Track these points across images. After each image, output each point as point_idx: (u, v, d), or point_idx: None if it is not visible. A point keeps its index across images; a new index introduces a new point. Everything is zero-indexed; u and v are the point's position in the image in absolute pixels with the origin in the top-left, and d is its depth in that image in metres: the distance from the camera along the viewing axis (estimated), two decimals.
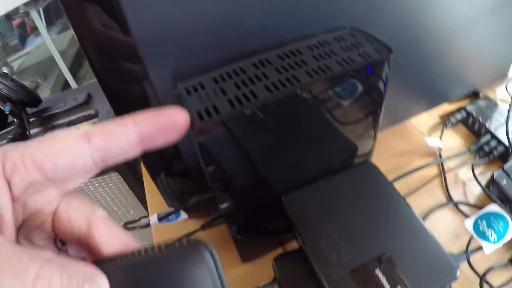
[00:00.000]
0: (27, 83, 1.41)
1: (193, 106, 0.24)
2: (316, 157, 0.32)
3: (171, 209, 0.36)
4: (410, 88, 0.47)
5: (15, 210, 0.15)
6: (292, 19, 0.29)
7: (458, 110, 0.52)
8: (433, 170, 0.47)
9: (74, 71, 1.27)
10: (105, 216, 0.17)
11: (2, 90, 0.64)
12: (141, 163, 0.58)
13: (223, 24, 0.26)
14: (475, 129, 0.50)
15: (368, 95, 0.28)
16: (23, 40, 1.64)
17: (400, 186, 0.46)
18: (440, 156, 0.47)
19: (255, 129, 0.25)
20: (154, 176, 0.40)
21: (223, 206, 0.29)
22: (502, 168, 0.42)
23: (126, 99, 0.33)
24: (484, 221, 0.36)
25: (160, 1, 0.24)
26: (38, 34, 1.63)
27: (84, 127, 0.16)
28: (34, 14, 1.14)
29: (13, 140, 0.61)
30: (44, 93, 1.35)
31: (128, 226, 0.42)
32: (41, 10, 1.36)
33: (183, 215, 0.39)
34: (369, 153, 0.34)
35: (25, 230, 0.16)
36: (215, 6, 0.26)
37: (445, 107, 0.55)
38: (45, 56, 1.46)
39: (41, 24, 1.17)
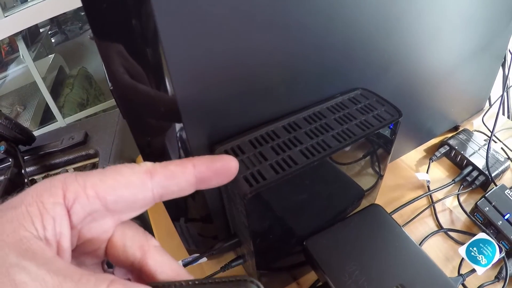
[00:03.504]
0: (5, 112, 1.36)
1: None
2: (333, 204, 0.35)
3: (196, 255, 0.38)
4: (403, 132, 0.53)
5: (71, 236, 0.15)
6: (315, 84, 0.33)
7: (442, 145, 0.58)
8: (423, 201, 0.52)
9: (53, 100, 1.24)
10: (158, 245, 0.18)
11: None
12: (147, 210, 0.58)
13: (258, 90, 0.30)
14: (457, 161, 0.56)
15: (379, 149, 0.32)
16: None
17: (395, 218, 0.50)
18: (429, 188, 0.53)
19: (289, 189, 0.28)
20: (174, 220, 0.42)
21: (256, 252, 0.32)
22: (484, 197, 0.47)
23: (158, 154, 0.35)
24: (475, 248, 0.41)
25: (203, 63, 0.26)
26: (14, 59, 1.58)
27: (147, 164, 0.17)
28: (18, 39, 1.10)
29: (10, 180, 0.60)
30: (24, 124, 1.30)
31: None
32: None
33: (203, 258, 0.41)
34: (376, 195, 0.39)
35: (78, 254, 0.17)
36: (251, 73, 0.28)
37: (429, 141, 0.61)
38: (23, 84, 1.41)
39: (25, 50, 1.13)
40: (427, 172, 0.55)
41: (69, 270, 0.13)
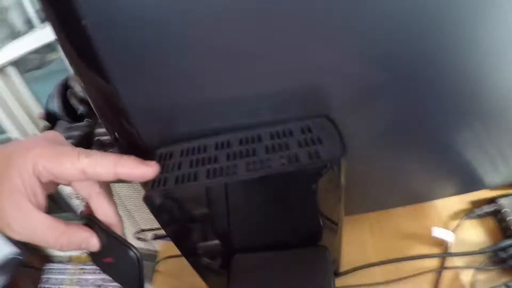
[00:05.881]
0: None
1: None
2: (276, 230, 0.34)
3: None
4: (441, 171, 0.44)
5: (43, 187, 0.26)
6: (271, 102, 0.31)
7: (489, 202, 0.46)
8: (431, 263, 0.43)
9: None
10: (99, 191, 0.28)
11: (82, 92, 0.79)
12: None
13: (204, 107, 0.31)
14: (502, 226, 0.44)
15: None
16: None
17: (389, 269, 0.44)
18: (447, 251, 0.43)
19: (195, 201, 0.29)
20: None
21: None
22: (507, 285, 0.37)
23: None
24: None
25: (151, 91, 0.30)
26: None
27: (83, 162, 0.25)
28: None
29: (82, 136, 0.75)
30: None
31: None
32: None
33: None
34: (330, 238, 0.34)
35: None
36: (197, 93, 0.30)
37: (482, 193, 0.49)
38: None
39: None
40: (453, 230, 0.45)
41: (49, 221, 0.26)
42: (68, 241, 0.26)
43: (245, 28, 0.27)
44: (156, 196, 0.28)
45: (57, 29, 0.27)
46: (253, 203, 0.30)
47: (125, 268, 0.28)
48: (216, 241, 0.32)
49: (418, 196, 0.48)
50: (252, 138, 0.30)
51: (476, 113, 0.36)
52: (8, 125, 1.22)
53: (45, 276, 1.01)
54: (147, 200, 0.28)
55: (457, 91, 0.33)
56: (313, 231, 0.33)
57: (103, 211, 0.28)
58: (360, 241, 0.49)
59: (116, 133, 0.34)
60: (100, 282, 1.07)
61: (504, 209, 0.44)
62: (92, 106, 0.34)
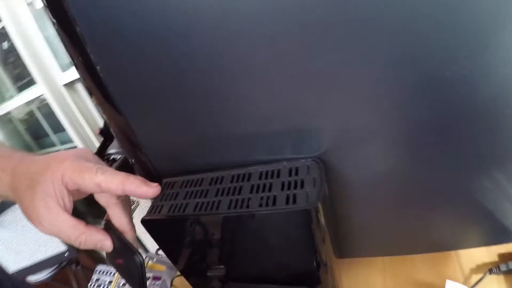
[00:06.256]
0: None
1: (156, 199, 0.34)
2: (264, 265, 0.35)
3: None
4: (463, 217, 0.41)
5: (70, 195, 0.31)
6: (262, 145, 0.33)
7: None
8: None
9: None
10: (116, 202, 0.32)
11: None
12: None
13: (204, 147, 0.34)
14: None
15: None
16: None
17: None
18: None
19: (188, 229, 0.32)
20: None
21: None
22: None
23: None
24: None
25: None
26: None
27: (99, 178, 0.30)
28: None
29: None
30: None
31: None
32: None
33: None
34: (321, 279, 0.34)
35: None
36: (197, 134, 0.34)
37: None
38: None
39: None
40: (473, 286, 0.41)
41: (71, 221, 0.30)
42: (86, 239, 0.31)
43: (244, 76, 0.29)
44: (150, 221, 0.32)
45: (80, 72, 0.33)
46: (235, 236, 0.32)
47: (131, 270, 0.32)
48: (206, 267, 0.35)
49: (437, 245, 0.45)
50: (243, 176, 0.33)
51: (506, 156, 0.34)
52: (74, 135, 1.40)
53: (95, 276, 1.10)
54: (144, 223, 0.32)
55: (480, 132, 0.31)
56: (298, 271, 0.33)
57: (118, 219, 0.32)
58: (370, 285, 0.47)
59: (133, 160, 0.39)
60: None
61: None
62: (114, 136, 0.39)
